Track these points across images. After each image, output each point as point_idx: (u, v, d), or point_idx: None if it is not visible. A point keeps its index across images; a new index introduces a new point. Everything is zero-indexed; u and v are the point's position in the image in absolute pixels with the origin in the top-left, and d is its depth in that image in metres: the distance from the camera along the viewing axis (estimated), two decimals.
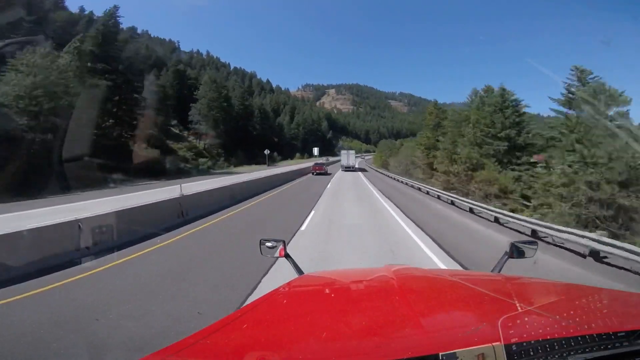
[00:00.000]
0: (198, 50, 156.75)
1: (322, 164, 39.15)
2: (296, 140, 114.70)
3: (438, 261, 6.96)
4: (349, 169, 42.63)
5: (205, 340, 0.98)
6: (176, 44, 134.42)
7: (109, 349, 3.60)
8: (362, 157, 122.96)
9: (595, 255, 7.11)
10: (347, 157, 43.52)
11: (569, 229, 8.10)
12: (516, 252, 1.93)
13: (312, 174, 35.77)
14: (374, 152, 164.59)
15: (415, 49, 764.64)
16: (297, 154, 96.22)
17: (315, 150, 72.16)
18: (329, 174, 36.25)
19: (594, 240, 7.04)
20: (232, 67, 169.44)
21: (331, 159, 76.26)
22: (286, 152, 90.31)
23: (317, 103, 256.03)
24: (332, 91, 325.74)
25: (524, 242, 1.99)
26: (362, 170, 49.83)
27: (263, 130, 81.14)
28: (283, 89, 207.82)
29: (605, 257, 6.98)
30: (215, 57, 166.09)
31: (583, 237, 7.34)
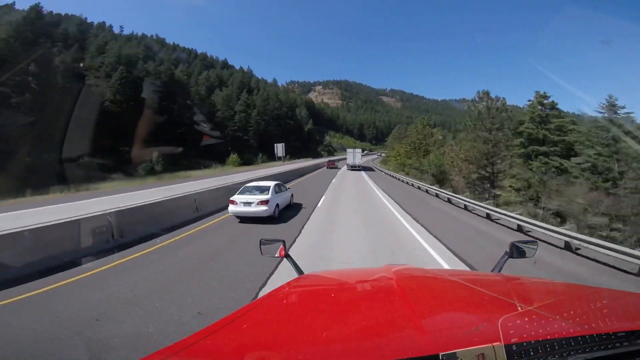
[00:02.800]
0: (143, 34, 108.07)
1: (334, 161, 51.36)
2: (246, 133, 72.86)
3: None
4: (354, 167, 45.49)
5: (205, 340, 0.98)
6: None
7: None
8: (380, 154, 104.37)
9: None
10: (353, 156, 46.67)
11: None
12: (516, 252, 1.94)
13: (327, 167, 47.83)
14: (370, 151, 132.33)
15: (407, 47, 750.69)
16: (232, 156, 53.82)
17: (278, 148, 45.31)
18: (339, 168, 47.07)
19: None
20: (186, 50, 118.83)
21: (310, 162, 52.25)
22: (220, 152, 55.01)
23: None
24: (319, 87, 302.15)
25: (524, 242, 2.00)
26: (368, 169, 48.71)
27: (159, 111, 48.36)
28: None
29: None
30: (162, 38, 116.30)
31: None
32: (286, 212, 11.90)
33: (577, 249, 7.82)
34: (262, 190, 11.01)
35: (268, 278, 5.71)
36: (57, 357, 3.45)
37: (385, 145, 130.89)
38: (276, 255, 2.12)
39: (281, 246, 2.11)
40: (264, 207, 10.28)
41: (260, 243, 2.16)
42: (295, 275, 1.94)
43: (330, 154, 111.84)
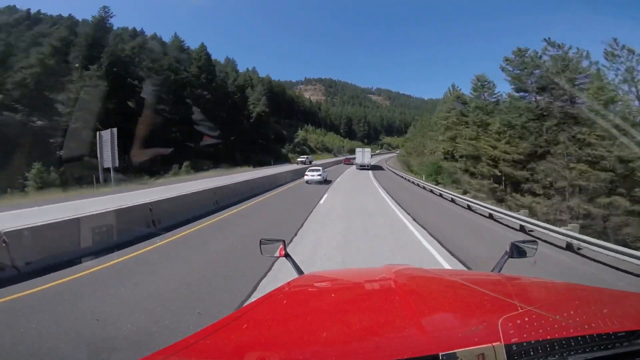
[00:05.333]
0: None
1: (350, 158, 55.46)
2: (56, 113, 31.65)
3: None
4: (364, 167, 45.54)
5: (205, 340, 0.98)
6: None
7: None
8: (398, 152, 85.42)
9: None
10: (362, 155, 46.60)
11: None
12: (516, 252, 1.94)
13: (344, 163, 56.10)
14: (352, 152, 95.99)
15: (390, 47, 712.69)
16: None
17: (103, 149, 22.08)
18: (353, 164, 50.66)
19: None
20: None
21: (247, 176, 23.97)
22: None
23: None
24: (301, 86, 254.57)
25: (524, 242, 2.01)
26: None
27: None
28: None
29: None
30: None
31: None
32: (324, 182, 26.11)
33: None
34: (318, 169, 26.36)
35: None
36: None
37: (378, 142, 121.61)
38: (276, 255, 2.10)
39: (281, 246, 2.10)
40: (319, 177, 25.34)
41: (260, 243, 2.14)
42: (295, 275, 1.94)
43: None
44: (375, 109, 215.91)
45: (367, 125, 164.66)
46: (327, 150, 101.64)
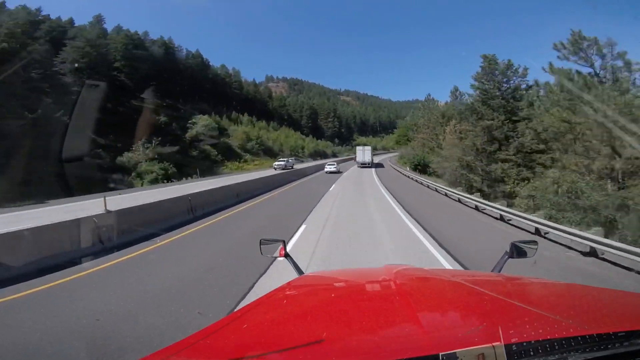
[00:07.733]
0: None
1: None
2: None
3: None
4: (364, 165, 45.44)
5: (205, 340, 0.98)
6: None
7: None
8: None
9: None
10: (363, 153, 46.30)
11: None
12: (516, 252, 1.94)
13: (354, 161, 55.91)
14: (334, 155, 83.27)
15: (357, 51, 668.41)
16: None
17: None
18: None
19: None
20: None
21: None
22: None
23: None
24: (263, 86, 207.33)
25: (525, 242, 2.00)
26: None
27: None
28: None
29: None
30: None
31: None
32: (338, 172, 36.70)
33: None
34: (334, 163, 39.62)
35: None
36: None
37: (352, 143, 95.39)
38: (275, 255, 2.08)
39: (281, 246, 2.08)
40: (336, 169, 37.95)
41: (260, 243, 2.11)
42: (295, 275, 1.93)
43: (205, 170, 39.75)
44: (346, 105, 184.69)
45: (338, 121, 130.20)
46: (271, 154, 64.27)
